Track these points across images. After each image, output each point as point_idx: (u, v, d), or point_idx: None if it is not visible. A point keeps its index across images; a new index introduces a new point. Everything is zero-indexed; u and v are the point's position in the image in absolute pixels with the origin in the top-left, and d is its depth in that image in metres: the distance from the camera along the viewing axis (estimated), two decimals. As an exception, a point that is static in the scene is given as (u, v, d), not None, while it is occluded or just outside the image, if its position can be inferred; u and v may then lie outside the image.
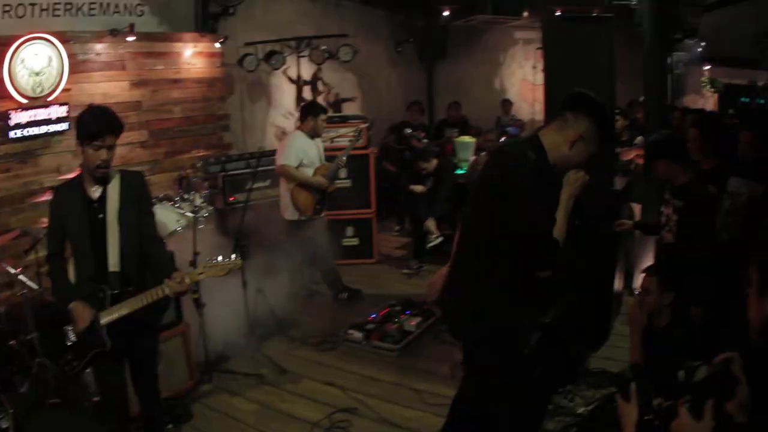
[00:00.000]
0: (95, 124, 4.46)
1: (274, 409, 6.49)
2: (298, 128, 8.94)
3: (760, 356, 2.45)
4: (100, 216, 4.58)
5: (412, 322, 7.91)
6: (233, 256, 4.82)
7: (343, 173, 10.55)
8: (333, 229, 9.89)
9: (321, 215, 9.05)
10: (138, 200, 4.74)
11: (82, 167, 4.74)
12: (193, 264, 6.92)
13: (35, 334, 6.83)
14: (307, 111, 8.92)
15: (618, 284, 7.88)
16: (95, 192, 4.62)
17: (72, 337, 4.53)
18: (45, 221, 6.75)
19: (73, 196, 4.64)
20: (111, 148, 4.49)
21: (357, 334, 7.71)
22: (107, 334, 4.45)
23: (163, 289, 4.53)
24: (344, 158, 9.26)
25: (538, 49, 13.71)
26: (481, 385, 4.47)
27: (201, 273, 4.75)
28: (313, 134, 8.81)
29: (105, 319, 4.46)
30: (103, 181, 4.61)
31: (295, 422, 6.26)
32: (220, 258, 4.81)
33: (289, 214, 8.93)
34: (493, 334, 4.16)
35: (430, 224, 10.15)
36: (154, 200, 6.30)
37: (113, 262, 4.55)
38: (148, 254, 4.77)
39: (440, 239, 10.19)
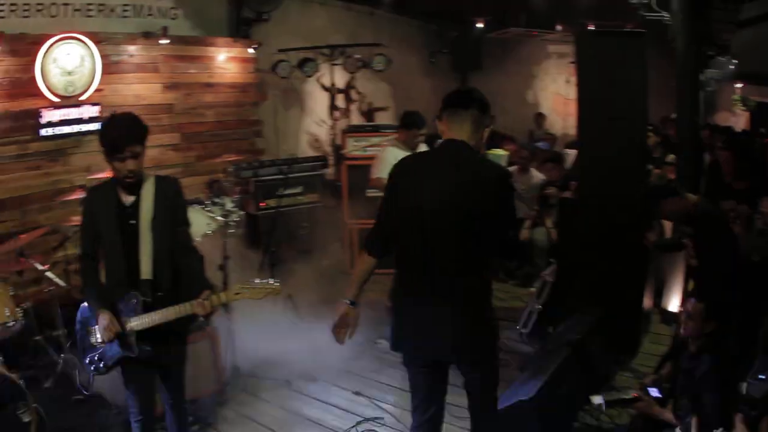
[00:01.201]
0: (117, 136, 4.25)
1: (300, 415, 6.26)
2: (396, 139, 8.37)
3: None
4: (132, 222, 4.39)
5: None
6: (271, 280, 4.56)
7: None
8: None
9: None
10: (173, 209, 4.54)
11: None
12: (222, 268, 6.88)
13: (62, 330, 6.77)
14: (404, 122, 8.32)
15: (647, 302, 7.65)
16: (128, 198, 4.44)
17: (98, 338, 4.40)
18: (74, 219, 7.14)
19: (106, 199, 4.46)
20: (137, 156, 4.29)
21: (386, 344, 7.23)
22: (136, 340, 4.29)
23: (192, 307, 4.35)
24: None
25: (571, 63, 13.06)
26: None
27: (237, 294, 4.51)
28: (411, 146, 8.12)
29: (134, 325, 4.29)
30: (135, 188, 4.42)
31: (320, 430, 6.05)
32: (258, 280, 4.57)
33: None
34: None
35: None
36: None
37: (145, 269, 4.37)
38: (181, 264, 4.56)
39: None
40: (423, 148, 7.74)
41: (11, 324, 6.02)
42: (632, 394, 5.71)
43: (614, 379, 6.60)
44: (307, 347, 7.07)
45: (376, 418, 6.21)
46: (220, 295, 4.46)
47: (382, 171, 7.69)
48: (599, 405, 5.74)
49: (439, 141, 4.42)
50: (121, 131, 4.26)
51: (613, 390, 6.24)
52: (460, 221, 3.92)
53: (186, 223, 4.64)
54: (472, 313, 4.04)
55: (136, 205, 4.40)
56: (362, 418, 6.18)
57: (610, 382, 6.44)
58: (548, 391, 4.94)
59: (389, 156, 7.71)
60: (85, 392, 6.29)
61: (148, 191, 4.43)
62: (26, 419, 5.24)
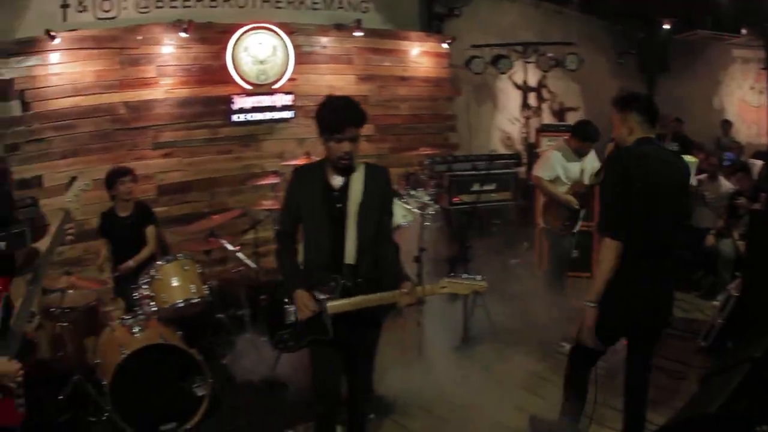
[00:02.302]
0: (335, 117, 3.92)
1: (476, 411, 5.57)
2: (566, 141, 7.35)
3: None
4: (339, 206, 4.08)
5: (624, 341, 6.21)
6: (479, 277, 4.15)
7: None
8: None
9: (571, 232, 7.40)
10: (381, 197, 4.19)
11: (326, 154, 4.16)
12: (418, 260, 6.44)
13: (246, 310, 6.67)
14: (577, 130, 7.26)
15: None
16: (337, 181, 4.11)
17: (292, 317, 4.16)
18: (265, 204, 7.25)
19: (314, 181, 4.15)
20: (354, 139, 3.97)
21: (569, 347, 6.10)
22: (331, 323, 4.03)
23: (394, 296, 4.01)
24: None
25: (763, 69, 12.91)
26: None
27: (444, 287, 4.16)
28: (579, 154, 7.18)
29: (333, 309, 4.00)
30: (346, 172, 4.09)
31: (495, 428, 5.41)
32: (465, 275, 4.21)
33: (541, 221, 7.62)
34: None
35: None
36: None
37: (350, 254, 4.06)
38: (381, 254, 4.22)
39: None
40: (592, 156, 7.17)
41: (196, 301, 5.84)
42: None
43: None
44: (487, 338, 6.86)
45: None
46: (426, 287, 4.18)
47: (544, 172, 7.22)
48: None
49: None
50: (342, 112, 3.96)
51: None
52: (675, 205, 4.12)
53: (390, 213, 4.34)
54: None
55: (344, 189, 4.10)
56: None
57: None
58: (727, 408, 4.25)
59: (554, 159, 7.19)
60: (258, 374, 6.06)
61: (357, 177, 4.13)
62: (200, 393, 5.21)
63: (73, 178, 4.18)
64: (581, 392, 4.56)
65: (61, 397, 5.33)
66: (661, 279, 4.10)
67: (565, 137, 7.26)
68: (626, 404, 4.52)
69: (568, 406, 4.61)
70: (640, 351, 4.45)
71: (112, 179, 6.27)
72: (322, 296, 4.03)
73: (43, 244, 3.91)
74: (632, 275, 3.98)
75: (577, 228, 7.20)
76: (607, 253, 3.95)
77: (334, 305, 3.99)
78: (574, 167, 7.07)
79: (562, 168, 7.06)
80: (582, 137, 6.94)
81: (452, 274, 4.30)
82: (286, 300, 4.17)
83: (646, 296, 4.06)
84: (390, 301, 4.03)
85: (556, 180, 7.06)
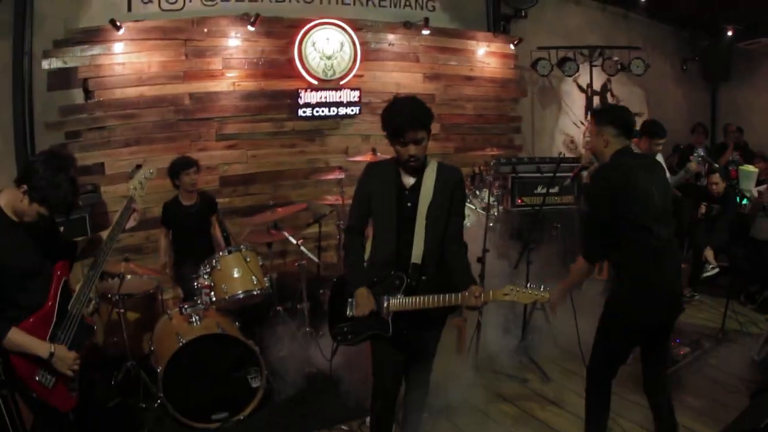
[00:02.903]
0: (397, 120, 3.73)
1: (532, 415, 5.37)
2: (636, 144, 6.86)
3: None
4: (409, 204, 3.91)
5: (680, 351, 6.31)
6: (542, 287, 3.80)
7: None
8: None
9: None
10: (451, 198, 3.95)
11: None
12: (480, 261, 6.10)
13: (306, 303, 6.33)
14: (645, 129, 6.83)
15: None
16: (409, 180, 3.94)
17: (353, 311, 3.95)
18: (328, 198, 7.07)
19: (386, 179, 3.97)
20: (419, 141, 3.74)
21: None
22: (392, 320, 3.87)
23: (458, 299, 3.75)
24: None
25: None
26: None
27: (506, 294, 3.79)
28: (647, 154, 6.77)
29: (394, 306, 3.83)
30: (416, 172, 3.91)
31: (542, 430, 5.17)
32: (529, 285, 3.88)
33: None
34: None
35: (709, 254, 7.91)
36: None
37: (416, 253, 3.88)
38: (448, 255, 3.98)
39: (716, 270, 8.15)
40: (660, 157, 6.73)
41: (256, 293, 5.57)
42: None
43: None
44: (544, 346, 6.44)
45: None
46: (490, 293, 3.82)
47: None
48: None
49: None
50: (404, 117, 3.75)
51: None
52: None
53: (460, 215, 4.09)
54: None
55: (415, 188, 3.93)
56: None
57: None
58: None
59: None
60: (314, 367, 5.79)
61: (429, 176, 3.94)
62: (255, 385, 5.03)
63: (138, 166, 4.04)
64: (604, 404, 4.36)
65: (113, 382, 5.15)
66: (673, 272, 4.11)
67: (635, 141, 6.66)
68: (651, 404, 4.39)
69: (592, 420, 4.41)
70: (658, 344, 4.34)
71: (177, 170, 5.97)
72: (384, 294, 3.88)
73: (106, 232, 3.81)
74: (650, 274, 3.96)
75: None
76: (579, 272, 4.16)
77: (396, 303, 3.84)
78: None
79: None
80: (652, 134, 6.53)
81: (517, 282, 4.09)
82: (349, 295, 4.05)
83: (665, 290, 4.04)
84: (453, 304, 3.84)
85: None
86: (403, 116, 3.76)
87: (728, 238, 7.83)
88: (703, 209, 8.13)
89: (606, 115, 4.21)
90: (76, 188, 3.29)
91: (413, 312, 3.85)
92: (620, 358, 4.25)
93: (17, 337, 3.20)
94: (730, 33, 11.65)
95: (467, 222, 6.38)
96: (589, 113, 4.22)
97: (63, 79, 6.66)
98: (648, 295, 4.02)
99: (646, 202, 3.96)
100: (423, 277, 3.94)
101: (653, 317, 4.09)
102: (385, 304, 3.85)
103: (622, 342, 4.16)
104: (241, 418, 4.96)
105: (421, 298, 3.83)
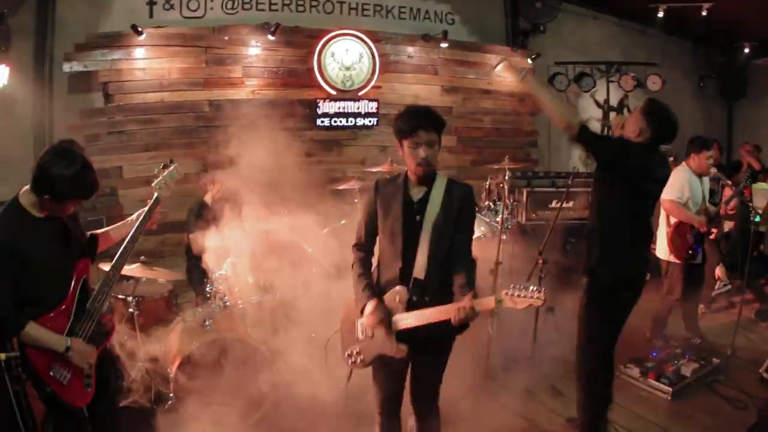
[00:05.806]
0: (408, 120, 3.66)
1: (540, 428, 5.27)
2: (686, 163, 6.73)
3: None
4: (417, 218, 3.78)
5: (689, 368, 6.22)
6: (536, 288, 3.54)
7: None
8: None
9: (694, 260, 6.69)
10: (458, 214, 3.79)
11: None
12: (494, 273, 6.18)
13: None
14: (690, 146, 6.72)
15: None
16: (417, 193, 3.83)
17: (360, 333, 3.91)
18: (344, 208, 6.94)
19: (394, 193, 3.87)
20: (430, 144, 3.64)
21: (634, 370, 6.25)
22: (396, 340, 3.74)
23: (448, 312, 3.55)
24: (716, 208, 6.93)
25: None
26: None
27: (500, 301, 3.56)
28: (699, 171, 6.53)
29: (396, 321, 3.71)
30: (426, 180, 3.78)
31: None
32: (523, 289, 3.58)
33: (660, 252, 6.82)
34: None
35: (720, 271, 7.98)
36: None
37: (419, 268, 3.75)
38: (455, 271, 3.77)
39: (728, 287, 8.26)
40: (714, 170, 6.61)
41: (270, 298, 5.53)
42: None
43: None
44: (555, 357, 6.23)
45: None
46: (482, 300, 3.55)
47: (674, 193, 6.42)
48: None
49: None
50: (414, 116, 3.71)
51: None
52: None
53: (468, 231, 3.90)
54: None
55: (423, 201, 3.81)
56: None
57: None
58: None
59: (681, 177, 6.45)
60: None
61: (437, 190, 3.81)
62: (266, 389, 4.91)
63: (170, 161, 3.95)
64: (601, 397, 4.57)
65: (124, 382, 5.07)
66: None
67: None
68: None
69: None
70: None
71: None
72: (387, 311, 3.78)
73: (126, 234, 3.75)
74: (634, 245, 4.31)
75: (699, 258, 6.54)
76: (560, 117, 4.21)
77: (397, 318, 3.74)
78: (697, 187, 6.44)
79: (689, 189, 6.40)
80: (699, 148, 6.38)
81: (512, 286, 3.73)
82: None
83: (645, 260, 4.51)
84: (442, 318, 3.60)
85: (684, 203, 6.37)
86: (418, 114, 3.72)
87: (741, 255, 7.66)
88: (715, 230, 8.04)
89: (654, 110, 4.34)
90: (92, 172, 3.27)
91: (416, 333, 3.72)
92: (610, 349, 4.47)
93: (35, 331, 3.21)
94: (746, 50, 11.64)
95: (480, 234, 6.46)
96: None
97: (83, 82, 6.64)
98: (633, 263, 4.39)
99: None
100: (425, 293, 3.80)
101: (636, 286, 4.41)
102: (388, 321, 3.76)
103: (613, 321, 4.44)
104: (250, 422, 4.86)
105: (419, 312, 3.71)
